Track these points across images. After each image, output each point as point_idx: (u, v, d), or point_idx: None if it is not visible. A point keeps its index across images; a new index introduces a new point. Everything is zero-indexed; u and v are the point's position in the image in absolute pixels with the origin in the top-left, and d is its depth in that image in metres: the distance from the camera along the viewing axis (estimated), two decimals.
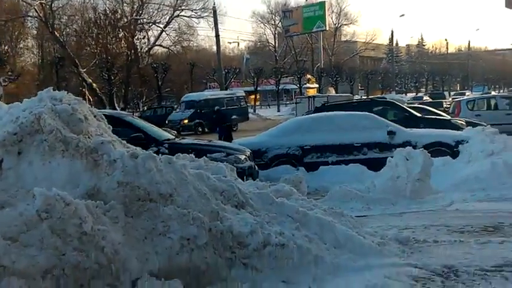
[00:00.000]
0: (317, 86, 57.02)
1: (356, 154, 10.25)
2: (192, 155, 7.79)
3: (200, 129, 28.04)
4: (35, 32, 53.66)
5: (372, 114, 10.85)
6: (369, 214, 7.02)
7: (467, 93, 51.59)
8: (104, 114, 8.73)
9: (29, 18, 47.83)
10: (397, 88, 70.65)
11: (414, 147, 10.02)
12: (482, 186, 7.96)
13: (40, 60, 53.55)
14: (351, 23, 79.87)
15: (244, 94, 33.49)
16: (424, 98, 44.88)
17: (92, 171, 3.98)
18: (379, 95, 49.30)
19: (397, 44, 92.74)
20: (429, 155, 8.00)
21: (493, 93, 47.62)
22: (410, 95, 60.44)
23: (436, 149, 9.96)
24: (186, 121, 28.21)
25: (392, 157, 8.23)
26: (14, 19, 47.01)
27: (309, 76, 61.43)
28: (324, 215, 5.01)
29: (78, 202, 3.43)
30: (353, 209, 7.49)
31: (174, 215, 3.86)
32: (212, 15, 42.82)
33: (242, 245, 3.98)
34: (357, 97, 52.28)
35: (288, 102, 56.77)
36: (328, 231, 4.67)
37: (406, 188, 7.82)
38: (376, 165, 9.14)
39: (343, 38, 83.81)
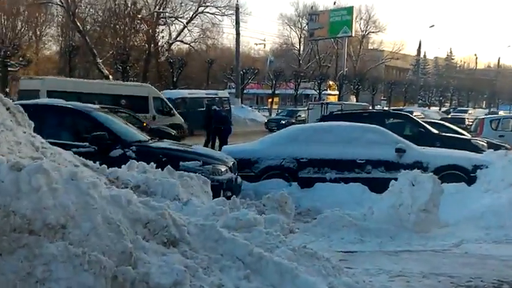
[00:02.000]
0: (338, 93, 55.59)
1: (358, 172, 9.09)
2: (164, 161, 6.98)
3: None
4: (60, 19, 53.52)
5: (380, 127, 9.65)
6: (359, 249, 5.88)
7: (470, 111, 48.31)
8: (57, 106, 7.88)
9: (54, 5, 47.55)
10: (420, 101, 68.72)
11: (425, 169, 8.90)
12: (500, 224, 6.71)
13: (60, 49, 53.11)
14: (379, 31, 78.00)
15: (228, 96, 30.32)
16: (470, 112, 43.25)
17: None
18: (400, 107, 47.66)
19: (424, 55, 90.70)
20: (439, 181, 6.81)
21: None
22: (433, 108, 58.53)
23: (450, 172, 8.78)
24: None
25: (396, 180, 7.05)
26: (38, 4, 46.80)
27: (330, 82, 60.04)
28: (290, 257, 3.89)
29: None
30: (343, 239, 6.40)
31: (61, 255, 2.78)
32: (239, 14, 41.81)
33: None
34: (378, 107, 50.87)
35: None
36: (288, 282, 3.55)
37: (409, 218, 6.64)
38: (380, 186, 7.90)
39: (370, 46, 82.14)
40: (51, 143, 6.88)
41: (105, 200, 3.18)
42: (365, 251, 5.80)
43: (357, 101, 48.84)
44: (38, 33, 55.94)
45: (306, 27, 68.32)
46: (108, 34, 40.69)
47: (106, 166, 4.62)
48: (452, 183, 8.16)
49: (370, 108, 23.45)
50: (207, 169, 6.94)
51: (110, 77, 40.60)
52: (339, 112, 13.77)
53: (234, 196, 6.76)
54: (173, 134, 16.36)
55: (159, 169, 5.90)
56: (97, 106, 8.48)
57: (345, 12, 57.09)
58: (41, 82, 18.81)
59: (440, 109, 58.52)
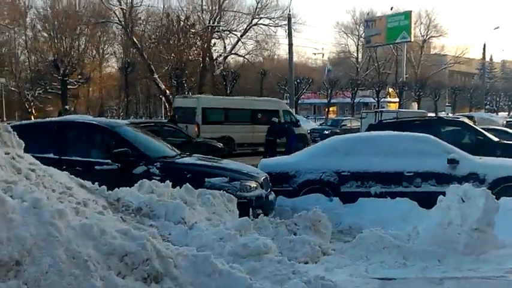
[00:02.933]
0: (398, 100, 53.86)
1: (406, 186, 8.32)
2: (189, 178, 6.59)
3: None
4: (121, 38, 55.31)
5: (430, 136, 8.82)
6: (399, 276, 5.19)
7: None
8: (79, 122, 7.69)
9: (116, 24, 49.15)
10: (487, 106, 65.41)
11: (482, 181, 8.05)
12: None
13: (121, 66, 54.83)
14: (440, 35, 75.28)
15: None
16: None
17: None
18: (465, 113, 45.40)
19: (491, 59, 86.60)
20: (493, 196, 5.99)
21: None
22: (502, 114, 55.41)
23: (510, 185, 7.85)
24: None
25: (443, 196, 6.29)
26: (97, 24, 48.54)
27: (390, 90, 58.35)
28: None
29: None
30: (383, 263, 5.70)
31: None
32: (291, 25, 41.42)
33: None
34: (442, 114, 48.72)
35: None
36: None
37: (459, 239, 5.85)
38: (430, 201, 7.06)
39: (431, 51, 79.38)
40: (73, 161, 6.78)
41: (73, 230, 2.78)
42: (406, 278, 5.12)
43: (418, 108, 47.10)
44: (101, 51, 58.21)
45: (363, 34, 66.94)
46: (163, 50, 41.38)
47: (105, 187, 4.24)
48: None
49: (428, 115, 22.19)
50: (234, 185, 6.49)
51: (167, 91, 41.33)
52: (388, 120, 12.91)
53: (262, 214, 6.29)
54: (219, 146, 16.08)
55: (177, 187, 5.53)
56: (126, 122, 8.27)
57: (403, 17, 55.38)
58: (196, 100, 21.00)
59: (509, 114, 55.30)
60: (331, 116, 51.54)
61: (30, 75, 44.45)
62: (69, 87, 29.53)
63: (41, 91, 38.77)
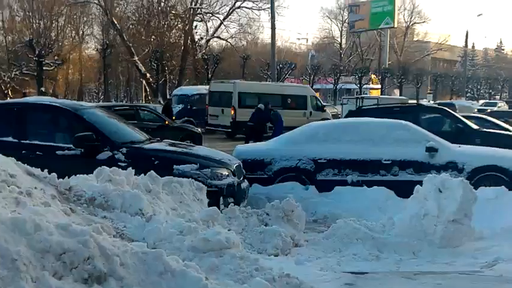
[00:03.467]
0: (380, 87, 53.84)
1: (383, 174, 8.12)
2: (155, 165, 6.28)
3: None
4: (101, 19, 54.12)
5: (408, 123, 8.61)
6: (372, 269, 4.97)
7: (499, 103, 44.04)
8: (40, 104, 7.30)
9: (96, 5, 48.02)
10: (468, 94, 65.81)
11: (460, 170, 7.89)
12: None
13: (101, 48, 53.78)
14: (423, 22, 75.28)
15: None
16: (499, 105, 40.30)
17: None
18: (447, 101, 45.58)
19: (473, 46, 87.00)
20: (471, 186, 5.81)
21: None
22: (482, 101, 55.77)
23: (490, 174, 7.71)
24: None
25: (421, 185, 6.08)
26: (77, 4, 47.39)
27: (372, 76, 58.31)
28: None
29: None
30: (356, 256, 5.51)
31: None
32: (274, 8, 40.85)
33: None
34: (424, 101, 48.84)
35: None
36: None
37: (435, 231, 5.68)
38: (408, 190, 6.84)
39: (415, 38, 79.44)
40: (34, 145, 6.42)
41: (2, 225, 2.47)
42: (379, 272, 4.90)
43: (400, 95, 47.08)
44: (80, 32, 56.94)
45: (347, 19, 66.62)
46: (143, 32, 40.61)
47: (56, 175, 3.91)
48: (491, 187, 7.10)
49: (409, 102, 22.13)
50: (204, 173, 6.20)
51: (147, 74, 40.64)
52: (370, 107, 12.66)
53: (232, 204, 6.02)
54: (197, 131, 15.73)
55: (142, 175, 5.22)
56: (93, 104, 7.89)
57: (387, 3, 55.05)
58: (232, 85, 22.00)
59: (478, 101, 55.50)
60: None
61: (7, 56, 43.28)
62: (45, 68, 28.74)
63: (17, 72, 37.79)
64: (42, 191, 3.47)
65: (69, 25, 53.93)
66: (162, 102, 37.68)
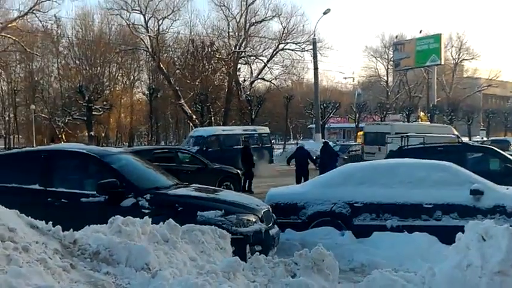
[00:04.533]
0: (429, 124, 52.53)
1: (425, 219, 7.59)
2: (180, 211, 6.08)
3: None
4: (150, 65, 56.05)
5: (451, 164, 8.10)
6: None
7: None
8: (66, 151, 7.28)
9: (145, 52, 49.83)
10: None
11: (510, 214, 7.30)
12: None
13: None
14: (472, 58, 73.76)
15: (268, 132, 28.63)
16: None
17: None
18: (501, 137, 43.85)
19: None
20: None
21: None
22: None
23: None
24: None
25: (463, 232, 5.58)
26: (127, 51, 49.31)
27: (421, 113, 57.12)
28: None
29: None
30: None
31: None
32: (316, 48, 41.08)
33: None
34: (477, 138, 47.20)
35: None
36: None
37: (480, 283, 5.14)
38: (452, 236, 6.33)
39: (464, 74, 77.81)
40: (60, 192, 6.37)
41: None
42: None
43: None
44: (131, 77, 59.02)
45: (392, 57, 66.15)
46: (188, 75, 41.58)
47: (60, 228, 3.76)
48: None
49: (459, 140, 21.39)
50: (229, 220, 5.94)
51: (193, 116, 41.33)
52: (409, 147, 12.15)
53: (259, 252, 5.69)
54: (235, 173, 15.58)
55: (161, 223, 5.02)
56: (121, 149, 7.87)
57: (432, 40, 54.41)
58: (390, 126, 25.01)
59: None
60: (359, 140, 50.46)
61: (61, 102, 45.22)
62: (94, 113, 29.74)
63: (70, 117, 39.30)
64: (44, 245, 3.31)
65: (120, 71, 56.14)
66: None
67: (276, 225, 6.92)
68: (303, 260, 5.76)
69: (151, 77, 56.18)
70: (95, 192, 6.11)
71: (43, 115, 43.92)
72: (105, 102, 30.54)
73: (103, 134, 50.16)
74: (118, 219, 4.29)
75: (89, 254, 3.51)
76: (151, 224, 4.94)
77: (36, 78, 50.68)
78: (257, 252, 5.71)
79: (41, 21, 43.54)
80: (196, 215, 5.85)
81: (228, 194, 7.13)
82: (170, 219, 5.01)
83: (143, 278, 3.44)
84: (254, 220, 6.20)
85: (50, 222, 3.73)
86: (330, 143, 18.49)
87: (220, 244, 5.54)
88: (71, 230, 3.79)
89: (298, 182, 15.01)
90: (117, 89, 54.09)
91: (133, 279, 3.38)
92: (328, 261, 5.88)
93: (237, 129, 27.41)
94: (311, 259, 5.76)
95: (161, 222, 5.06)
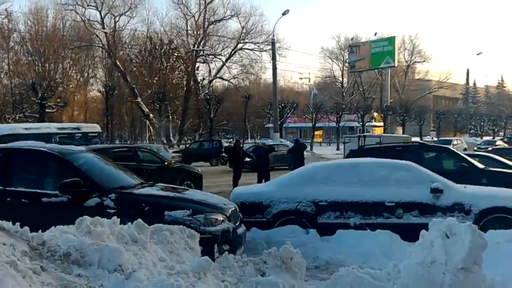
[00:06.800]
0: (382, 124, 53.84)
1: (387, 217, 7.75)
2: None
3: None
4: (105, 62, 54.86)
5: (412, 163, 8.31)
6: None
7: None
8: (25, 149, 7.03)
9: (100, 48, 48.75)
10: (472, 131, 65.73)
11: (467, 212, 7.56)
12: None
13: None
14: (424, 61, 76.19)
15: (98, 131, 25.77)
16: (498, 143, 38.81)
17: None
18: (450, 138, 45.35)
19: (474, 84, 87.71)
20: (480, 232, 5.45)
21: None
22: (486, 138, 55.53)
23: (499, 216, 7.35)
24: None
25: (427, 228, 5.72)
26: (81, 48, 48.10)
27: (375, 114, 58.44)
28: None
29: None
30: None
31: None
32: (275, 49, 41.30)
33: None
34: (428, 138, 48.68)
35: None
36: None
37: (444, 280, 5.27)
38: (413, 233, 6.49)
39: (416, 76, 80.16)
40: (19, 192, 6.13)
41: None
42: None
43: (403, 133, 46.99)
44: (85, 75, 57.63)
45: (348, 59, 67.39)
46: (146, 73, 41.00)
47: (28, 229, 3.61)
48: (501, 229, 6.73)
49: (412, 139, 21.89)
50: (197, 219, 5.88)
51: (151, 115, 40.78)
52: (369, 146, 12.40)
53: (227, 252, 5.67)
54: (198, 172, 15.46)
55: (129, 223, 4.91)
56: (82, 148, 7.65)
57: (387, 43, 55.78)
58: None
59: (493, 138, 55.16)
60: (319, 140, 51.18)
61: (12, 98, 43.67)
62: (48, 110, 28.86)
63: (21, 115, 37.98)
64: (12, 247, 3.17)
65: (74, 68, 54.71)
66: (165, 142, 37.70)
67: (242, 224, 6.90)
68: (272, 258, 5.77)
69: (107, 74, 55.07)
70: (57, 192, 5.91)
71: None
72: (58, 100, 29.68)
73: None
74: (86, 220, 4.16)
75: (59, 255, 3.39)
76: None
77: None
78: (225, 252, 5.69)
79: None
80: (164, 215, 5.76)
81: (195, 193, 7.06)
82: (139, 219, 4.91)
83: (117, 280, 3.35)
84: (222, 219, 6.16)
85: (17, 223, 3.59)
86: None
87: (189, 244, 5.47)
88: (40, 231, 3.64)
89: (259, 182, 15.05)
90: (71, 86, 52.70)
91: (107, 281, 3.29)
92: (296, 259, 5.91)
93: (48, 128, 23.52)
94: (279, 257, 5.78)
95: (128, 223, 4.95)
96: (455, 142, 30.66)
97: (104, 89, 36.90)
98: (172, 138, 40.66)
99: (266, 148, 17.10)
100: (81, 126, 24.83)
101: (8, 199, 5.97)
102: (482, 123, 67.67)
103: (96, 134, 24.44)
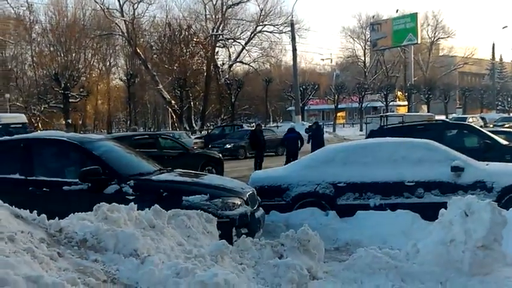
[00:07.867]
0: (406, 103, 53.08)
1: (407, 196, 7.68)
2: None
3: None
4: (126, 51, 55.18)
5: (432, 142, 8.19)
6: None
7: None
8: (46, 139, 7.17)
9: (120, 36, 49.03)
10: (499, 107, 64.29)
11: (489, 189, 7.44)
12: None
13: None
14: (448, 37, 74.52)
15: (24, 121, 23.46)
16: None
17: None
18: (476, 114, 44.49)
19: (501, 58, 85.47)
20: (500, 209, 5.37)
21: None
22: (502, 114, 54.29)
23: None
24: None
25: (446, 208, 5.67)
26: (102, 37, 48.47)
27: (398, 93, 57.60)
28: None
29: None
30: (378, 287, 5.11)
31: None
32: (294, 30, 40.91)
33: None
34: (454, 116, 47.83)
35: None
36: None
37: (463, 258, 5.24)
38: (434, 212, 6.44)
39: (440, 53, 78.54)
40: (40, 182, 6.26)
41: None
42: None
43: (428, 111, 46.28)
44: (108, 64, 58.20)
45: (370, 38, 66.36)
46: (166, 60, 41.13)
47: (45, 217, 3.70)
48: None
49: (437, 118, 21.44)
50: (214, 203, 5.93)
51: (172, 101, 41.00)
52: (390, 126, 12.25)
53: (245, 235, 5.71)
54: (218, 157, 15.53)
55: (146, 209, 4.99)
56: (101, 136, 7.75)
57: (409, 20, 54.75)
58: None
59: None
60: (342, 121, 50.71)
61: (37, 89, 44.40)
62: (71, 100, 29.27)
63: (46, 105, 38.63)
64: (30, 235, 3.26)
65: (96, 57, 55.25)
66: (187, 128, 37.96)
67: (261, 208, 6.94)
68: (289, 241, 5.81)
69: (128, 63, 55.50)
70: (77, 180, 6.02)
71: (18, 104, 43.05)
72: (81, 89, 30.09)
73: (80, 122, 49.53)
74: (103, 206, 4.25)
75: (76, 242, 3.47)
76: (137, 210, 4.92)
77: (10, 67, 49.60)
78: (243, 235, 5.73)
79: (13, 8, 42.50)
80: (182, 200, 5.82)
81: (213, 178, 7.11)
82: (156, 204, 4.98)
83: (132, 264, 3.42)
84: (239, 203, 6.20)
85: (35, 212, 3.68)
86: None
87: (206, 228, 5.54)
88: (56, 218, 3.73)
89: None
90: (94, 75, 53.31)
91: (122, 266, 3.36)
92: (314, 241, 5.93)
93: None
94: (297, 240, 5.81)
95: (146, 208, 5.03)
96: (470, 120, 29.70)
97: (125, 78, 37.14)
98: (194, 124, 40.84)
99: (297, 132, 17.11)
100: (1, 117, 22.75)
101: (30, 188, 6.11)
102: (509, 99, 66.09)
103: (20, 126, 22.06)
